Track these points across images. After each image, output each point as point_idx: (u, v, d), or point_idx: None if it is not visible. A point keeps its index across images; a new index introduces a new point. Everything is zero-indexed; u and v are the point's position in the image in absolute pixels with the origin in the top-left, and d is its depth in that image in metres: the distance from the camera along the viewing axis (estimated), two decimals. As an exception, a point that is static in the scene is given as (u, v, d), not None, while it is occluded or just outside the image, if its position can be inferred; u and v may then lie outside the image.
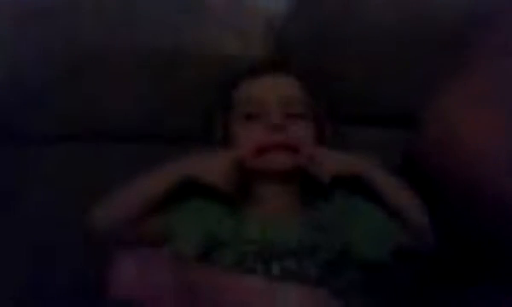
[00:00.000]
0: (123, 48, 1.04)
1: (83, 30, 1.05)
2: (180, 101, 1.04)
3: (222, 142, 0.94)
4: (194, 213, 0.87)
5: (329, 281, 0.80)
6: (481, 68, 0.86)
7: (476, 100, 0.82)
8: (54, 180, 1.03)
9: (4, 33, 1.05)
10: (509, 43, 0.85)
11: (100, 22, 1.05)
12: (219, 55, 1.03)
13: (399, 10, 1.01)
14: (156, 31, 1.04)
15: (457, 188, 0.81)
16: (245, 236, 0.84)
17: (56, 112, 1.04)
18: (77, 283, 0.96)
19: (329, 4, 1.05)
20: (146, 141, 1.05)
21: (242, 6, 1.08)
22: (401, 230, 0.85)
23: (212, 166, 0.87)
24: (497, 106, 0.80)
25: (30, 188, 1.03)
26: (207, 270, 0.80)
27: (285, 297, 0.76)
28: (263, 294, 0.76)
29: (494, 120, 0.79)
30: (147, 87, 1.04)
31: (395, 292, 0.90)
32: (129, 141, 1.05)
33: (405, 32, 1.00)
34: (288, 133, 0.88)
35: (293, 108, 0.91)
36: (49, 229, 1.00)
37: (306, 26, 1.06)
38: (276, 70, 0.95)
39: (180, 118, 1.05)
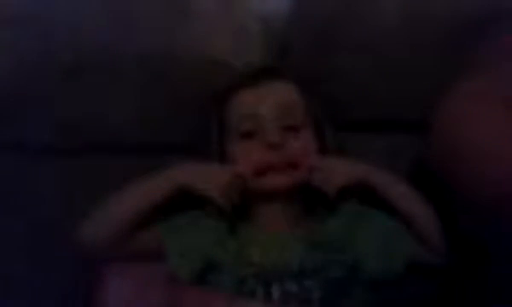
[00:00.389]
0: (113, 54, 0.98)
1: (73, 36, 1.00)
2: (173, 108, 0.99)
3: (217, 157, 0.88)
4: (189, 231, 0.83)
5: (337, 302, 0.77)
6: (492, 69, 0.83)
7: (488, 101, 0.78)
8: (50, 191, 0.99)
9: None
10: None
11: (89, 27, 0.99)
12: (213, 59, 0.98)
13: (404, 11, 0.96)
14: (146, 36, 0.99)
15: (470, 196, 0.77)
16: (245, 259, 0.80)
17: (50, 120, 1.00)
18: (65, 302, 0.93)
19: (331, 4, 0.99)
20: (141, 151, 1.00)
21: (237, 7, 1.02)
22: (415, 242, 0.81)
23: (211, 178, 0.82)
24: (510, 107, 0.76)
25: (27, 198, 0.99)
26: (203, 294, 0.76)
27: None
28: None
29: (508, 121, 0.75)
30: (139, 94, 0.99)
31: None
32: (126, 151, 1.01)
33: (411, 34, 0.96)
34: (286, 150, 0.83)
35: (291, 119, 0.86)
36: (45, 243, 0.96)
37: (307, 27, 1.00)
38: (270, 77, 0.89)
39: (175, 127, 1.00)
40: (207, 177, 0.82)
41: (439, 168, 0.83)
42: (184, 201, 0.83)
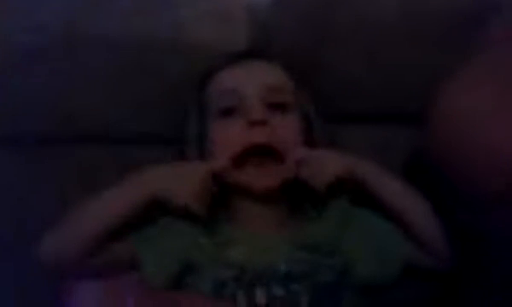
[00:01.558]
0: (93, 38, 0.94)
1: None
2: (156, 95, 0.94)
3: (196, 143, 0.82)
4: (162, 236, 0.76)
5: None
6: (491, 58, 0.79)
7: (488, 90, 0.74)
8: (41, 186, 0.94)
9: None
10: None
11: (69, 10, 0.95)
12: (197, 43, 0.93)
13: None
14: (128, 19, 0.94)
15: (473, 188, 0.72)
16: (224, 259, 0.74)
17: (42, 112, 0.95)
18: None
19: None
20: (123, 141, 0.96)
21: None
22: (411, 245, 0.76)
23: (183, 184, 0.75)
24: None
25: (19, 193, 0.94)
26: (179, 299, 0.71)
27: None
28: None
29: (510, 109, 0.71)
30: (119, 83, 0.94)
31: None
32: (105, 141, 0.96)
33: (405, 23, 0.92)
34: (270, 129, 0.76)
35: (276, 97, 0.79)
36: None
37: (295, 11, 0.95)
38: (255, 56, 0.83)
39: (156, 115, 0.95)
40: (177, 183, 0.75)
41: (436, 160, 0.78)
42: (157, 207, 0.77)
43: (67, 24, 0.93)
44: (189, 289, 0.73)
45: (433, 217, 0.76)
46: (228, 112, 0.78)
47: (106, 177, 0.84)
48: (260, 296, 0.71)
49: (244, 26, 0.95)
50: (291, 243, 0.76)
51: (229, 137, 0.77)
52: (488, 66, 0.77)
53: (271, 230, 0.78)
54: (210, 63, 0.86)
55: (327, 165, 0.76)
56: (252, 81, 0.79)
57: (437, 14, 0.91)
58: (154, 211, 0.76)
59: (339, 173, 0.75)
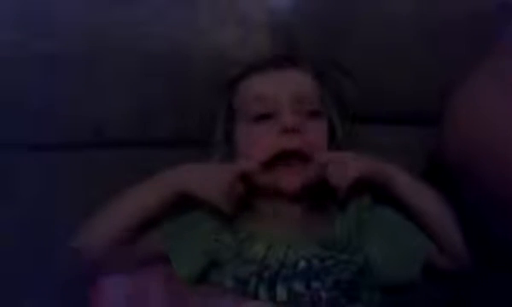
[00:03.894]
0: (113, 44, 0.95)
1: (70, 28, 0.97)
2: (178, 100, 0.96)
3: (223, 146, 0.84)
4: (189, 231, 0.78)
5: (345, 305, 0.73)
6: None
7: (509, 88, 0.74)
8: (44, 188, 0.96)
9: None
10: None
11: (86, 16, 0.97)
12: (219, 47, 0.95)
13: (415, 4, 0.93)
14: (148, 24, 0.96)
15: (497, 191, 0.72)
16: (247, 256, 0.75)
17: (44, 116, 0.97)
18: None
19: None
20: (143, 145, 0.97)
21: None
22: (432, 246, 0.76)
23: (211, 181, 0.76)
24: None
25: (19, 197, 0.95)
26: (205, 294, 0.73)
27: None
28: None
29: None
30: (141, 85, 0.96)
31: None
32: (125, 145, 0.97)
33: (422, 26, 0.93)
34: (302, 136, 0.78)
35: (307, 105, 0.81)
36: (35, 241, 0.93)
37: (315, 15, 0.96)
38: (285, 64, 0.84)
39: (179, 119, 0.96)
40: (207, 180, 0.76)
41: (457, 163, 0.78)
42: (185, 202, 0.78)
43: (88, 30, 0.95)
44: (214, 285, 0.74)
45: (454, 219, 0.76)
46: (259, 118, 0.80)
47: (131, 180, 0.85)
48: (281, 292, 0.72)
49: (265, 29, 0.96)
50: (311, 240, 0.77)
51: (262, 142, 0.79)
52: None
53: (292, 228, 0.79)
54: (235, 67, 0.88)
55: (348, 166, 0.76)
56: (285, 89, 0.80)
57: (453, 15, 0.91)
58: (183, 206, 0.78)
59: (359, 174, 0.76)
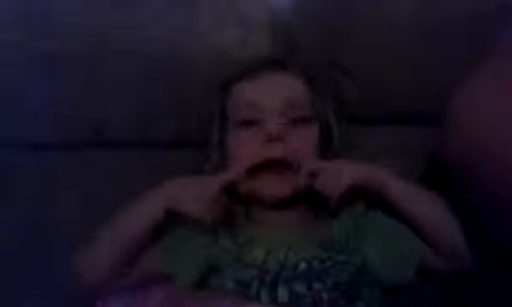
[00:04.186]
0: (114, 45, 0.95)
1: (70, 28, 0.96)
2: (178, 101, 0.96)
3: (217, 149, 0.84)
4: (186, 241, 0.78)
5: (346, 305, 0.73)
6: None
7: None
8: (44, 189, 0.96)
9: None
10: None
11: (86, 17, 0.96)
12: (219, 50, 0.94)
13: (415, 3, 0.93)
14: (148, 27, 0.95)
15: (502, 193, 0.71)
16: (247, 260, 0.76)
17: (44, 115, 0.96)
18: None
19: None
20: (144, 146, 0.98)
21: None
22: (429, 248, 0.76)
23: (193, 195, 0.76)
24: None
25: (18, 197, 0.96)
26: (205, 297, 0.73)
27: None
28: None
29: None
30: (141, 87, 0.96)
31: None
32: (126, 146, 0.98)
33: (423, 26, 0.92)
34: (286, 145, 0.78)
35: (296, 111, 0.80)
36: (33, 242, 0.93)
37: (316, 15, 0.96)
38: (276, 68, 0.84)
39: (179, 121, 0.96)
40: (189, 195, 0.76)
41: (458, 164, 0.77)
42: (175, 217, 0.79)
43: (88, 30, 0.95)
44: (214, 289, 0.75)
45: (453, 221, 0.76)
46: (246, 124, 0.80)
47: (131, 181, 0.86)
48: (282, 293, 0.72)
49: (265, 30, 0.96)
50: (311, 242, 0.77)
51: (245, 150, 0.79)
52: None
53: (291, 231, 0.79)
54: (232, 69, 0.88)
55: (340, 175, 0.76)
56: (272, 95, 0.80)
57: (453, 15, 0.91)
58: (175, 221, 0.78)
59: (351, 183, 0.76)
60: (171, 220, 0.77)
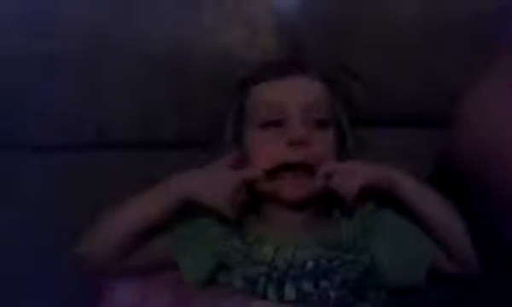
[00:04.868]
0: (116, 45, 0.95)
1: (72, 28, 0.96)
2: (181, 101, 0.96)
3: (231, 147, 0.84)
4: (197, 234, 0.79)
5: (353, 304, 0.73)
6: None
7: None
8: (47, 190, 0.96)
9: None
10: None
11: (88, 17, 0.96)
12: (224, 50, 0.94)
13: (421, 6, 0.93)
14: (153, 25, 0.95)
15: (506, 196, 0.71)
16: (256, 258, 0.76)
17: (46, 117, 0.97)
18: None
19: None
20: (147, 147, 0.97)
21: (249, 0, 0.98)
22: (438, 250, 0.76)
23: (215, 187, 0.76)
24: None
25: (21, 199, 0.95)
26: (212, 295, 0.73)
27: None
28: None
29: None
30: (144, 86, 0.95)
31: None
32: (128, 147, 0.97)
33: (428, 28, 0.92)
34: (308, 149, 0.78)
35: (316, 114, 0.80)
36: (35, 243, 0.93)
37: (322, 16, 0.96)
38: (295, 70, 0.84)
39: (183, 121, 0.96)
40: (211, 187, 0.76)
41: (466, 166, 0.77)
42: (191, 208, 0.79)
43: (89, 30, 0.95)
44: (222, 287, 0.75)
45: (462, 223, 0.76)
46: (268, 125, 0.80)
47: (134, 182, 0.84)
48: (290, 292, 0.72)
49: (271, 31, 0.96)
50: (318, 242, 0.77)
51: (267, 150, 0.79)
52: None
53: (299, 231, 0.79)
54: (238, 68, 0.88)
55: (354, 176, 0.76)
56: (293, 97, 0.80)
57: (459, 17, 0.91)
58: (189, 212, 0.78)
59: (365, 183, 0.75)
60: (186, 210, 0.77)
